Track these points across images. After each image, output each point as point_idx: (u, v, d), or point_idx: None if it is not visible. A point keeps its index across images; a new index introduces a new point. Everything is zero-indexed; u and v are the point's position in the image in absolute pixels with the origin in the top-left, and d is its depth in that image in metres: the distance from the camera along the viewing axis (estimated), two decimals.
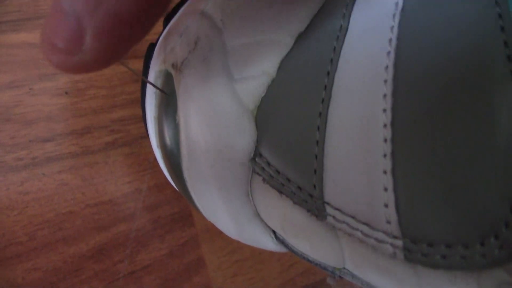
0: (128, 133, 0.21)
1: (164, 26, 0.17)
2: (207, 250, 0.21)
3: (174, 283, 0.20)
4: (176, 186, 0.17)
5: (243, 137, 0.13)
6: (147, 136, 0.21)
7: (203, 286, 0.21)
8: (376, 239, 0.10)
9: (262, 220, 0.15)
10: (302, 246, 0.13)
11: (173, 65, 0.14)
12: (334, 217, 0.11)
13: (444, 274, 0.09)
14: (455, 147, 0.09)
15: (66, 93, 0.20)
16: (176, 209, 0.21)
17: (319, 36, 0.13)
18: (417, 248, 0.10)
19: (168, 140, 0.15)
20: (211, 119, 0.13)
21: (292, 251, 0.15)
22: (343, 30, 0.12)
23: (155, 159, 0.21)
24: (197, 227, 0.21)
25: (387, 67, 0.10)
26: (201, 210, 0.16)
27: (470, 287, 0.09)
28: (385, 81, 0.10)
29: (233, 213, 0.15)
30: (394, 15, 0.11)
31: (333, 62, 0.12)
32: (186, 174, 0.15)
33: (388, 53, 0.11)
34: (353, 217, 0.11)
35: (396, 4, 0.11)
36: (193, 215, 0.21)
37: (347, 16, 0.12)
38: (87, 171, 0.20)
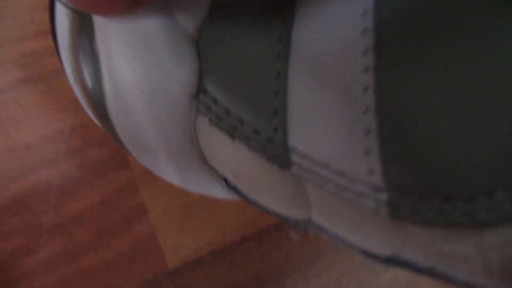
0: (43, 67, 0.18)
1: None
2: (147, 194, 0.18)
3: (111, 234, 0.17)
4: (104, 130, 0.14)
5: (181, 68, 0.10)
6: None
7: (146, 234, 0.18)
8: (354, 192, 0.09)
9: (210, 167, 0.12)
10: (260, 196, 0.11)
11: None
12: (300, 166, 0.09)
13: (436, 231, 0.08)
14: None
15: None
16: (107, 150, 0.18)
17: None
18: (406, 203, 0.08)
19: (87, 75, 0.12)
20: (138, 45, 0.10)
21: (247, 200, 0.12)
22: None
23: None
24: (133, 170, 0.18)
25: None
26: (136, 157, 0.13)
27: (466, 246, 0.07)
28: None
29: (175, 161, 0.12)
30: None
31: None
32: (113, 117, 0.12)
33: None
34: (325, 167, 0.09)
35: None
36: (129, 156, 0.18)
37: None
38: None
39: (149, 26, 0.10)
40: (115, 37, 0.11)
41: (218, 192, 0.14)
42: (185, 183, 0.13)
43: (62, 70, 0.18)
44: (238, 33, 0.10)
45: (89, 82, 0.12)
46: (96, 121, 0.14)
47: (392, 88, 0.08)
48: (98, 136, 0.18)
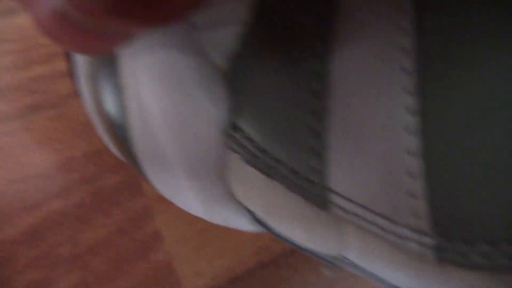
0: (53, 92, 0.17)
1: None
2: (163, 221, 0.18)
3: (128, 264, 0.17)
4: (124, 159, 0.13)
5: (212, 104, 0.10)
6: (76, 94, 0.17)
7: (163, 263, 0.17)
8: (398, 235, 0.08)
9: (237, 201, 0.12)
10: (292, 233, 0.11)
11: None
12: (340, 207, 0.09)
13: (483, 275, 0.08)
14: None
15: None
16: (120, 177, 0.17)
17: None
18: (452, 247, 0.08)
19: (110, 107, 0.11)
20: (168, 79, 0.10)
21: (274, 234, 0.12)
22: None
23: (89, 121, 0.17)
24: (148, 196, 0.18)
25: None
26: (158, 188, 0.13)
27: None
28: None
29: (201, 195, 0.12)
30: None
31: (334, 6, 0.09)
32: (137, 149, 0.12)
33: None
34: (367, 209, 0.09)
35: None
36: (143, 182, 0.18)
37: None
38: (5, 142, 0.16)
39: (179, 61, 0.10)
40: (143, 70, 0.10)
41: (243, 225, 0.13)
42: (209, 215, 0.13)
43: (72, 95, 0.17)
44: (271, 68, 0.10)
45: (112, 113, 0.12)
46: (115, 151, 0.13)
47: (438, 131, 0.07)
48: (111, 162, 0.17)
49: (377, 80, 0.08)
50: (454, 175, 0.08)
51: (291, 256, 0.18)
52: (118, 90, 0.11)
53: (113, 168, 0.17)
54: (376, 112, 0.08)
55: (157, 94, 0.10)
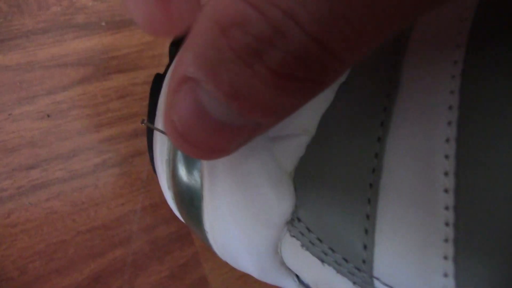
0: (117, 152, 0.20)
1: (172, 54, 0.15)
2: (209, 268, 0.20)
3: None
4: (191, 228, 0.15)
5: (281, 202, 0.12)
6: (137, 154, 0.20)
7: None
8: None
9: (287, 268, 0.13)
10: None
11: None
12: None
13: None
14: None
15: (48, 116, 0.19)
16: (173, 228, 0.20)
17: (365, 90, 0.11)
18: None
19: (186, 190, 0.14)
20: (244, 182, 0.12)
21: None
22: (393, 83, 0.11)
23: (147, 177, 0.20)
24: (196, 245, 0.20)
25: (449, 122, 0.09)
26: (219, 254, 0.15)
27: None
28: (447, 139, 0.09)
29: (258, 265, 0.14)
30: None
31: (384, 125, 0.10)
32: (207, 226, 0.14)
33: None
34: None
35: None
36: (192, 233, 0.20)
37: (398, 69, 0.11)
38: (76, 196, 0.19)
39: (254, 167, 0.12)
40: (221, 172, 0.12)
41: (289, 285, 0.16)
42: (262, 277, 0.15)
43: (133, 154, 0.20)
44: (328, 172, 0.11)
45: (188, 196, 0.13)
46: (183, 220, 0.16)
47: (470, 240, 0.09)
48: (166, 214, 0.20)
49: (417, 197, 0.09)
50: (477, 279, 0.09)
51: None
52: (196, 181, 0.13)
53: (168, 219, 0.20)
54: (414, 221, 0.09)
55: (233, 192, 0.12)
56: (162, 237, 0.19)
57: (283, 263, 0.14)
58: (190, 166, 0.14)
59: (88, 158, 0.19)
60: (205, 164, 0.13)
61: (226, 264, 0.20)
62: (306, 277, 0.13)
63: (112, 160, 0.19)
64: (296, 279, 0.15)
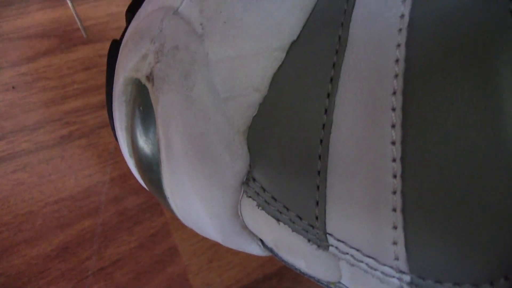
0: (84, 124, 0.19)
1: (127, 19, 0.15)
2: (179, 238, 0.20)
3: (147, 276, 0.19)
4: (154, 194, 0.15)
5: (235, 162, 0.12)
6: (104, 125, 0.20)
7: (178, 276, 0.20)
8: (382, 273, 0.10)
9: (250, 232, 0.13)
10: (296, 262, 0.12)
11: (147, 78, 0.12)
12: (337, 248, 0.11)
13: None
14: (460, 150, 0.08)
15: (13, 87, 0.19)
16: (142, 199, 0.20)
17: (315, 48, 0.11)
18: (425, 284, 0.09)
19: (145, 155, 0.13)
20: (198, 143, 0.12)
21: (281, 260, 0.14)
22: (343, 42, 0.11)
23: (115, 149, 0.20)
24: (166, 216, 0.20)
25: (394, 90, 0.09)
26: (182, 219, 0.15)
27: None
28: (394, 92, 0.09)
29: (220, 229, 0.14)
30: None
31: (333, 81, 0.10)
32: (167, 192, 0.13)
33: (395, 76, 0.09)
34: (358, 250, 0.10)
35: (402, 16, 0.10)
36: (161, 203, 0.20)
37: (346, 26, 0.11)
38: (43, 168, 0.19)
39: (207, 128, 0.12)
40: (176, 133, 0.12)
41: (255, 250, 0.15)
42: (227, 243, 0.15)
43: (100, 126, 0.20)
44: (281, 130, 0.11)
45: (146, 161, 0.13)
46: (147, 188, 0.16)
47: (414, 191, 0.09)
48: (134, 185, 0.20)
49: (366, 148, 0.09)
50: (425, 227, 0.09)
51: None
52: (152, 142, 0.13)
53: (137, 190, 0.20)
54: (365, 173, 0.09)
55: (188, 153, 0.12)
56: (131, 208, 0.19)
57: (245, 227, 0.13)
58: (146, 130, 0.13)
59: (54, 130, 0.19)
60: (160, 127, 0.12)
61: (196, 234, 0.20)
62: (266, 239, 0.13)
63: (79, 132, 0.19)
64: (260, 244, 0.14)
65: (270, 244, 0.13)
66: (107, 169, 0.19)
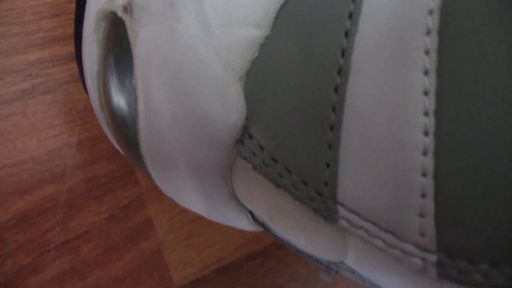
0: (50, 77, 0.17)
1: None
2: (155, 210, 0.18)
3: (118, 251, 0.17)
4: (128, 159, 0.13)
5: (228, 113, 0.10)
6: (73, 80, 0.17)
7: (153, 252, 0.18)
8: (402, 250, 0.08)
9: (239, 202, 0.12)
10: (294, 238, 0.11)
11: (124, 8, 0.10)
12: (348, 221, 0.09)
13: None
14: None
15: None
16: (115, 165, 0.18)
17: None
18: (454, 265, 0.08)
19: (118, 106, 0.11)
20: (183, 87, 0.10)
21: (273, 235, 0.12)
22: None
23: (85, 107, 0.17)
24: (141, 185, 0.18)
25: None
26: (161, 187, 0.13)
27: None
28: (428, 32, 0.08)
29: (205, 195, 0.12)
30: None
31: (353, 17, 0.09)
32: (144, 151, 0.11)
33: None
34: (374, 223, 0.09)
35: None
36: (136, 171, 0.18)
37: None
38: (1, 125, 0.16)
39: (195, 69, 0.10)
40: (157, 76, 0.10)
41: (243, 225, 0.13)
42: (211, 215, 0.13)
43: (69, 81, 0.17)
44: (287, 77, 0.09)
45: (120, 113, 0.11)
46: (119, 148, 0.13)
47: (450, 152, 0.07)
48: (106, 149, 0.17)
49: (391, 99, 0.08)
50: (462, 195, 0.07)
51: (280, 248, 0.19)
52: (128, 89, 0.11)
53: (108, 156, 0.17)
54: (389, 130, 0.08)
55: (170, 100, 0.10)
56: (102, 175, 0.17)
57: (234, 196, 0.12)
58: (121, 75, 0.11)
59: (15, 82, 0.16)
60: (138, 70, 0.10)
61: (174, 207, 0.18)
62: (259, 210, 0.11)
63: (44, 86, 0.17)
64: (250, 216, 0.13)
65: (263, 216, 0.11)
66: (75, 130, 0.17)
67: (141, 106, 0.11)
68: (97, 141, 0.17)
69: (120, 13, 0.11)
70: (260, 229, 0.13)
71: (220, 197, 0.12)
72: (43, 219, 0.16)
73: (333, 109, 0.09)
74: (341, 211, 0.09)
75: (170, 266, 0.17)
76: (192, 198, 0.12)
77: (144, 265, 0.17)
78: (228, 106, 0.10)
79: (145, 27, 0.10)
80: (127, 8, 0.10)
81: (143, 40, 0.10)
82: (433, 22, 0.08)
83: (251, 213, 0.12)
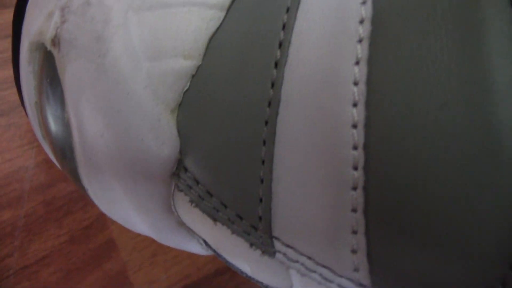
0: (3, 100, 0.17)
1: None
2: (117, 230, 0.17)
3: (80, 274, 0.17)
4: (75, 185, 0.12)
5: (161, 147, 0.09)
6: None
7: (117, 272, 0.17)
8: (339, 285, 0.08)
9: (189, 228, 0.11)
10: (241, 267, 0.11)
11: (53, 41, 0.10)
12: (285, 254, 0.09)
13: None
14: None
15: None
16: (73, 186, 0.17)
17: (262, 6, 0.09)
18: None
19: (57, 138, 0.11)
20: (114, 122, 0.09)
21: (225, 262, 0.12)
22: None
23: None
24: None
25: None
26: (110, 216, 0.12)
27: None
28: (357, 62, 0.07)
29: (151, 225, 0.11)
30: None
31: (282, 47, 0.08)
32: (85, 183, 0.11)
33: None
34: (310, 258, 0.09)
35: None
36: None
37: None
38: None
39: (126, 104, 0.09)
40: (88, 111, 0.10)
41: (196, 249, 0.13)
42: (162, 240, 0.12)
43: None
44: (218, 111, 0.09)
45: (59, 145, 0.11)
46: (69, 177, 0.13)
47: (379, 188, 0.07)
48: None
49: (321, 132, 0.08)
50: (390, 232, 0.07)
51: None
52: (64, 124, 0.11)
53: (66, 177, 0.17)
54: (320, 165, 0.08)
55: (103, 136, 0.10)
56: (60, 197, 0.17)
57: (182, 224, 0.11)
58: (56, 107, 0.11)
59: None
60: (69, 104, 0.10)
61: None
62: (205, 239, 0.11)
63: None
64: (202, 241, 0.12)
65: (211, 244, 0.11)
66: (31, 153, 0.16)
67: (76, 140, 0.10)
68: (54, 163, 0.17)
69: (49, 46, 0.10)
70: (213, 253, 0.13)
71: (167, 226, 0.11)
72: (0, 245, 0.16)
73: (264, 143, 0.08)
74: (277, 245, 0.09)
75: (135, 286, 0.17)
76: (140, 227, 0.12)
77: (108, 286, 0.17)
78: (160, 140, 0.09)
79: (72, 62, 0.10)
80: (54, 41, 0.10)
81: (72, 75, 0.10)
82: (362, 51, 0.07)
83: (204, 240, 0.12)
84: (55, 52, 0.10)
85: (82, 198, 0.17)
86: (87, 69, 0.10)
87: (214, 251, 0.12)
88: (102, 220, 0.17)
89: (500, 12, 0.06)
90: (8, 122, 0.16)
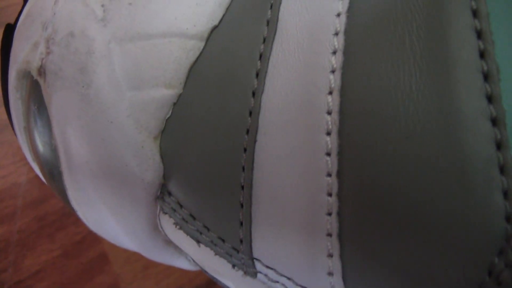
0: None
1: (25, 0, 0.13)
2: (109, 244, 0.18)
3: (74, 287, 0.17)
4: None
5: (145, 173, 0.10)
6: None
7: (109, 285, 0.17)
8: None
9: (176, 246, 0.12)
10: (226, 283, 0.11)
11: (39, 71, 0.10)
12: (266, 275, 0.09)
13: None
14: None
15: None
16: None
17: (240, 36, 0.09)
18: None
19: (46, 163, 0.11)
20: (99, 149, 0.10)
21: (212, 278, 0.12)
22: (272, 28, 0.09)
23: None
24: None
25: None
26: (97, 233, 0.13)
27: None
28: (328, 112, 0.08)
29: (139, 245, 0.12)
30: None
31: (259, 76, 0.09)
32: (74, 204, 0.11)
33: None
34: (289, 279, 0.09)
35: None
36: None
37: (275, 9, 0.09)
38: None
39: (109, 132, 0.10)
40: (74, 139, 0.10)
41: (183, 265, 0.13)
42: (151, 258, 0.13)
43: None
44: (199, 136, 0.09)
45: (48, 170, 0.11)
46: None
47: (354, 213, 0.07)
48: None
49: (298, 159, 0.08)
50: (365, 254, 0.08)
51: None
52: (51, 150, 0.11)
53: None
54: (297, 190, 0.08)
55: (89, 162, 0.10)
56: (53, 212, 0.17)
57: (169, 242, 0.12)
58: (44, 133, 0.11)
59: None
60: (56, 131, 0.10)
61: None
62: (192, 258, 0.11)
63: None
64: (190, 258, 0.13)
65: (197, 262, 0.11)
66: (24, 170, 0.17)
67: (63, 164, 0.11)
68: None
69: (35, 75, 0.11)
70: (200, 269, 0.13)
71: (155, 245, 0.12)
72: None
73: (243, 169, 0.09)
74: (258, 266, 0.09)
75: None
76: (129, 245, 0.12)
77: None
78: (144, 166, 0.10)
79: (58, 92, 0.10)
80: (40, 71, 0.10)
81: (57, 104, 0.10)
82: (335, 81, 0.07)
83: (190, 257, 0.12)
84: (41, 81, 0.10)
85: (74, 213, 0.17)
86: (72, 99, 0.10)
87: (201, 268, 0.12)
88: (94, 234, 0.17)
89: (467, 43, 0.06)
90: (1, 139, 0.17)
